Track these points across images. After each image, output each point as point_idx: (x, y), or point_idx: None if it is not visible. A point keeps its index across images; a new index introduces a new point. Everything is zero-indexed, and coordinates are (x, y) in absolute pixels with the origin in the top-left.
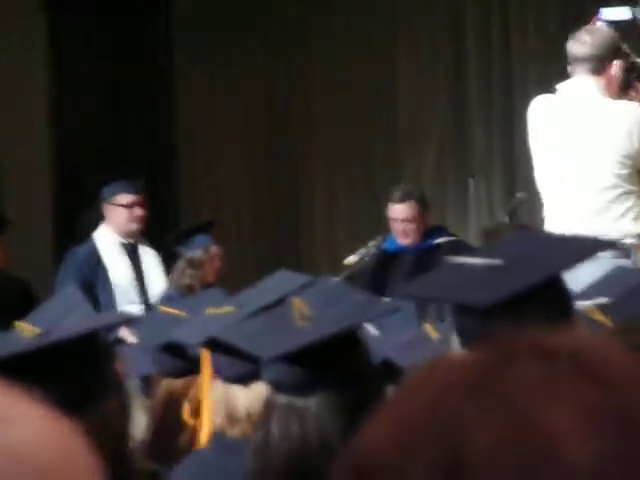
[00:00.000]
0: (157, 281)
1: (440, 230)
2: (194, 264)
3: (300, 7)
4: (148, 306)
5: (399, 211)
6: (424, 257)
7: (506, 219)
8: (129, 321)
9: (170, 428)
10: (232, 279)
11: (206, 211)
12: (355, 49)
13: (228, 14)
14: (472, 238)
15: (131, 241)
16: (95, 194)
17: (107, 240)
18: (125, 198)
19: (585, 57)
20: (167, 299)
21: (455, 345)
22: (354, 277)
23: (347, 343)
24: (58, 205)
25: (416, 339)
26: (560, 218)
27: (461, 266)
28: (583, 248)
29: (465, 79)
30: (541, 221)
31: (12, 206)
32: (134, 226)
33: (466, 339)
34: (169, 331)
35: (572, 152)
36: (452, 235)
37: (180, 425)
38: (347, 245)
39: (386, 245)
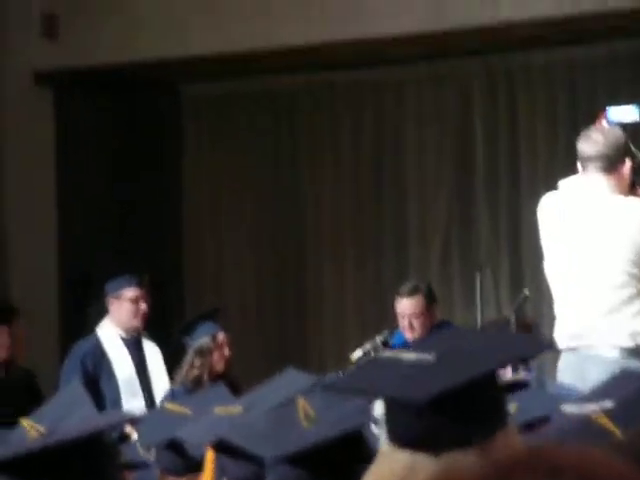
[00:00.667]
0: (160, 375)
1: (447, 325)
2: (202, 352)
3: (309, 91)
4: (151, 400)
5: (406, 306)
6: None
7: (512, 315)
8: (132, 420)
9: None
10: (235, 369)
11: (210, 299)
12: (361, 147)
13: (233, 108)
14: None
15: (134, 335)
16: (102, 287)
17: (111, 334)
18: (130, 292)
19: (597, 156)
20: (173, 395)
21: (383, 441)
22: None
23: (351, 445)
24: (65, 297)
25: None
26: (570, 316)
27: (393, 361)
28: (520, 347)
29: (472, 173)
30: (548, 317)
31: (20, 297)
32: (137, 322)
33: (396, 435)
34: (173, 429)
35: (583, 250)
36: None
37: None
38: (355, 336)
39: (393, 339)
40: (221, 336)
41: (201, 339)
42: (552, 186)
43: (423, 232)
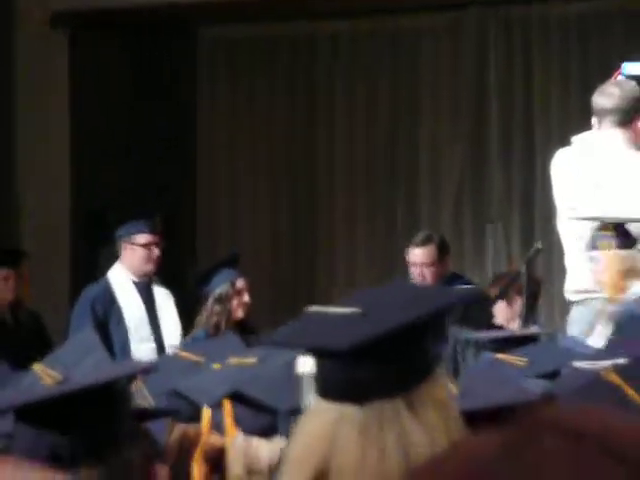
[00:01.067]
0: (171, 321)
1: (458, 278)
2: (221, 299)
3: (326, 53)
4: (161, 345)
5: (418, 255)
6: None
7: (523, 268)
8: (148, 369)
9: (181, 475)
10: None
11: (224, 246)
12: (377, 97)
13: (251, 52)
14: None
15: (145, 279)
16: (114, 231)
17: (121, 279)
18: (143, 238)
19: (612, 109)
20: (194, 340)
21: (313, 394)
22: None
23: None
24: (77, 240)
25: None
26: (581, 270)
27: (321, 315)
28: (445, 297)
29: (485, 126)
30: (558, 270)
31: (31, 241)
32: (150, 267)
33: (323, 388)
34: (185, 377)
35: (596, 205)
36: (470, 283)
37: (191, 472)
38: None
39: None
40: (240, 283)
41: (220, 286)
42: (566, 140)
43: (435, 185)
